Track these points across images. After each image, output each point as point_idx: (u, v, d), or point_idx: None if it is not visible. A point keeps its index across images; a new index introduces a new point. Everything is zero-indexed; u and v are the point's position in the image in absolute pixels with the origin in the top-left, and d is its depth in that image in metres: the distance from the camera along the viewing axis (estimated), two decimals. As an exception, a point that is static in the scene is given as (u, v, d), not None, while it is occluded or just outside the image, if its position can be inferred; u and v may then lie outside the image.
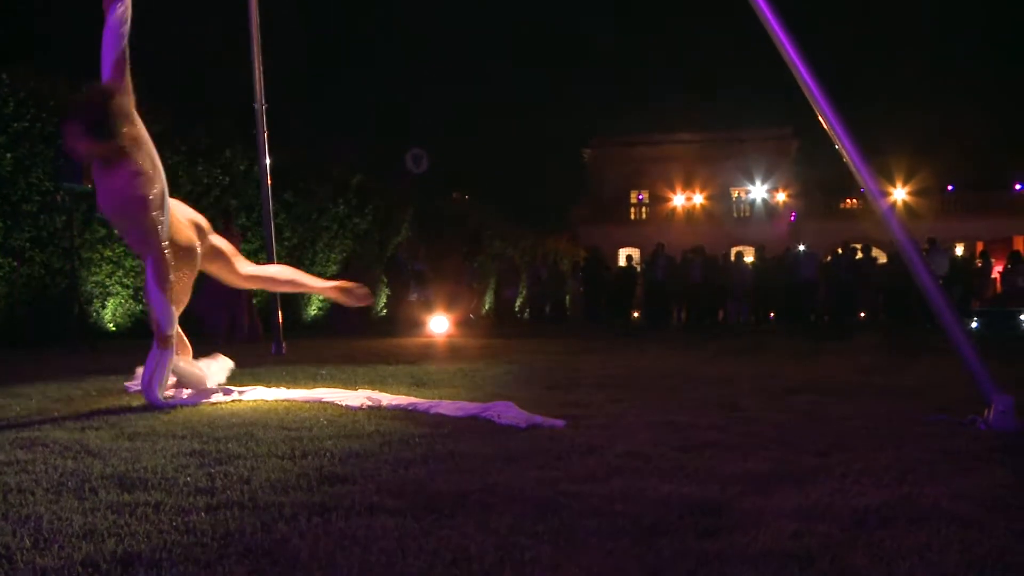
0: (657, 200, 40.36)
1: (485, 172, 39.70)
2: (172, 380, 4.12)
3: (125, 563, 1.63)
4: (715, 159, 39.69)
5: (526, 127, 47.21)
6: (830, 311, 17.49)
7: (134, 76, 3.97)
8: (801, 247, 18.82)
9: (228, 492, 2.19)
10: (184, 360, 4.27)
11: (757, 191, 38.94)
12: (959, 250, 26.02)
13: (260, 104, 7.67)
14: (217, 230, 4.82)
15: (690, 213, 39.08)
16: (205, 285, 4.87)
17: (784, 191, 38.40)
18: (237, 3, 7.54)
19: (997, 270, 18.63)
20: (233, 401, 4.12)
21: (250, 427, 3.26)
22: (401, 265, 14.39)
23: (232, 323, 9.99)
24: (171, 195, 4.18)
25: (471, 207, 23.83)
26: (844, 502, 2.13)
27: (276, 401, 4.13)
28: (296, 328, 12.90)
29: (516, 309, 21.05)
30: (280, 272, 4.81)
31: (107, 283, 9.86)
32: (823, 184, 36.76)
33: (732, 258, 18.41)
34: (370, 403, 3.95)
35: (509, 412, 3.50)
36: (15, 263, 8.41)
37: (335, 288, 4.83)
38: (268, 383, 4.75)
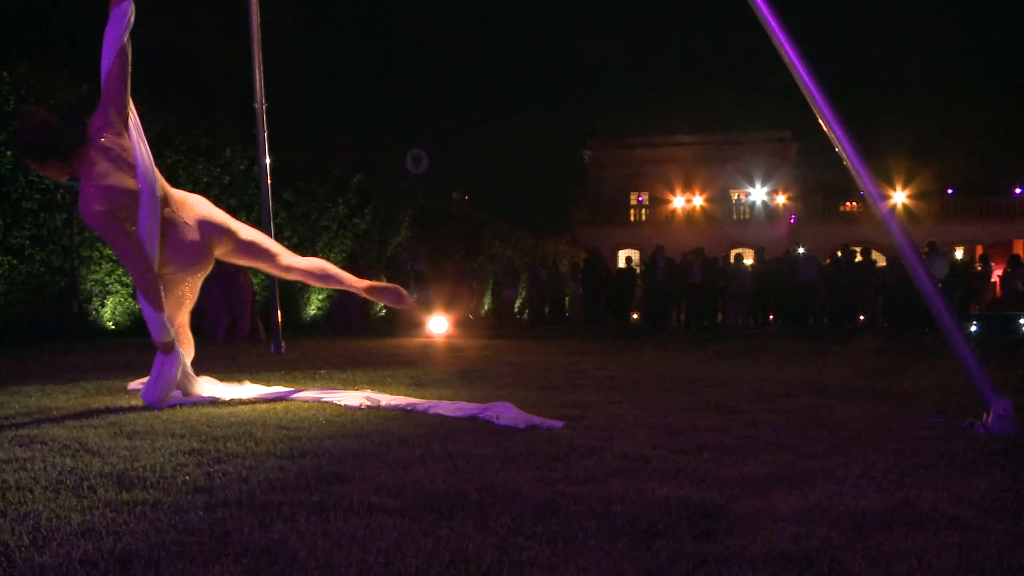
0: (657, 202, 40.39)
1: (485, 173, 39.73)
2: (176, 393, 4.08)
3: (123, 561, 1.63)
4: (715, 161, 39.72)
5: (526, 128, 47.23)
6: (829, 314, 17.50)
7: (134, 76, 3.96)
8: (801, 250, 18.84)
9: (226, 491, 2.19)
10: (191, 381, 4.19)
11: (757, 193, 38.97)
12: (959, 254, 26.06)
13: (260, 103, 7.67)
14: None
15: (690, 215, 39.10)
16: (208, 284, 4.83)
17: (784, 193, 38.42)
18: (238, 2, 7.54)
19: (997, 274, 18.63)
20: (232, 400, 4.12)
21: (248, 426, 3.26)
22: (401, 265, 14.39)
23: (233, 323, 9.99)
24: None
25: (471, 208, 23.85)
26: (843, 505, 2.13)
27: (275, 400, 4.13)
28: (295, 328, 12.90)
29: (515, 310, 21.05)
30: (319, 266, 4.69)
31: (106, 281, 9.86)
32: (823, 187, 36.84)
33: (732, 260, 18.42)
34: (369, 403, 3.95)
35: (508, 413, 3.50)
36: (14, 261, 8.42)
37: (371, 287, 4.72)
38: (267, 383, 4.74)
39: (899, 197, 35.25)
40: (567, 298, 21.55)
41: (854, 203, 36.14)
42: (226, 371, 4.96)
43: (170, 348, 3.94)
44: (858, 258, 17.57)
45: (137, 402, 3.96)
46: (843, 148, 3.76)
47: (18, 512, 1.97)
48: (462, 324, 14.66)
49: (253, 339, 9.97)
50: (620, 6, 60.47)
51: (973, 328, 13.12)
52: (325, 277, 4.62)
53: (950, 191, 37.28)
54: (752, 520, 1.98)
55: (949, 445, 3.01)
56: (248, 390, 4.36)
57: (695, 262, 17.20)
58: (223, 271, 8.85)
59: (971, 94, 48.01)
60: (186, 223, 4.08)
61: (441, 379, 5.36)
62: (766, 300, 18.18)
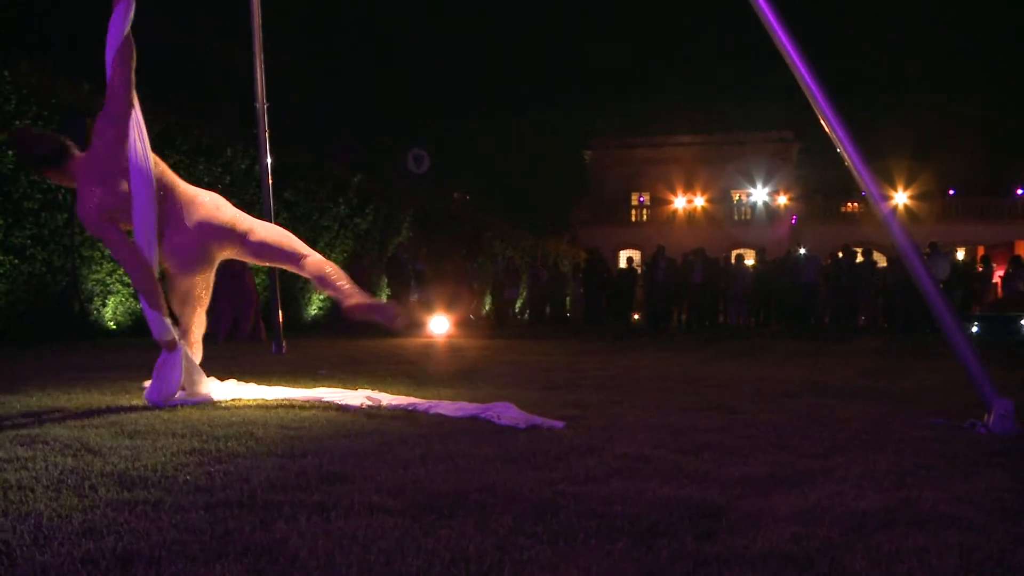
0: (658, 202, 40.36)
1: (486, 173, 39.72)
2: (181, 393, 4.07)
3: (124, 560, 1.63)
4: (716, 161, 39.69)
5: (527, 128, 47.24)
6: (830, 314, 17.50)
7: (136, 75, 3.96)
8: (802, 250, 18.83)
9: (227, 491, 2.19)
10: (196, 381, 4.17)
11: (758, 194, 38.94)
12: (960, 254, 26.02)
13: (261, 103, 7.68)
14: None
15: (691, 215, 39.08)
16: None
17: (785, 194, 38.39)
18: (239, 2, 7.54)
19: (998, 275, 18.61)
20: (233, 400, 4.12)
21: (250, 426, 3.26)
22: (402, 265, 14.39)
23: (235, 323, 9.99)
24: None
25: (472, 208, 23.84)
26: (843, 505, 2.13)
27: (276, 400, 4.13)
28: (296, 328, 12.90)
29: (516, 310, 21.05)
30: (324, 271, 4.38)
31: (108, 281, 9.86)
32: (824, 187, 36.78)
33: (733, 261, 18.40)
34: (370, 403, 3.96)
35: (509, 413, 3.50)
36: (16, 260, 8.42)
37: (358, 306, 4.27)
38: (268, 383, 4.75)
39: (900, 197, 35.21)
40: (568, 298, 21.55)
41: (855, 204, 36.10)
42: (227, 371, 4.95)
43: (172, 346, 3.94)
44: (859, 258, 17.56)
45: (138, 402, 3.96)
46: (844, 148, 3.76)
47: (20, 511, 1.97)
48: (463, 324, 14.66)
49: (254, 339, 9.98)
50: (621, 6, 60.49)
51: (974, 329, 13.11)
52: (323, 282, 4.29)
53: (951, 192, 37.23)
54: (753, 520, 1.98)
55: (950, 445, 3.01)
56: (249, 390, 4.36)
57: (696, 262, 17.20)
58: (228, 271, 8.86)
59: (973, 94, 48.00)
60: (185, 225, 4.02)
61: (442, 379, 5.36)
62: (767, 300, 18.17)
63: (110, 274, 9.83)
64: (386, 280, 15.15)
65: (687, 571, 1.63)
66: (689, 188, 40.09)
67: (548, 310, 19.80)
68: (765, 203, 38.66)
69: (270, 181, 7.89)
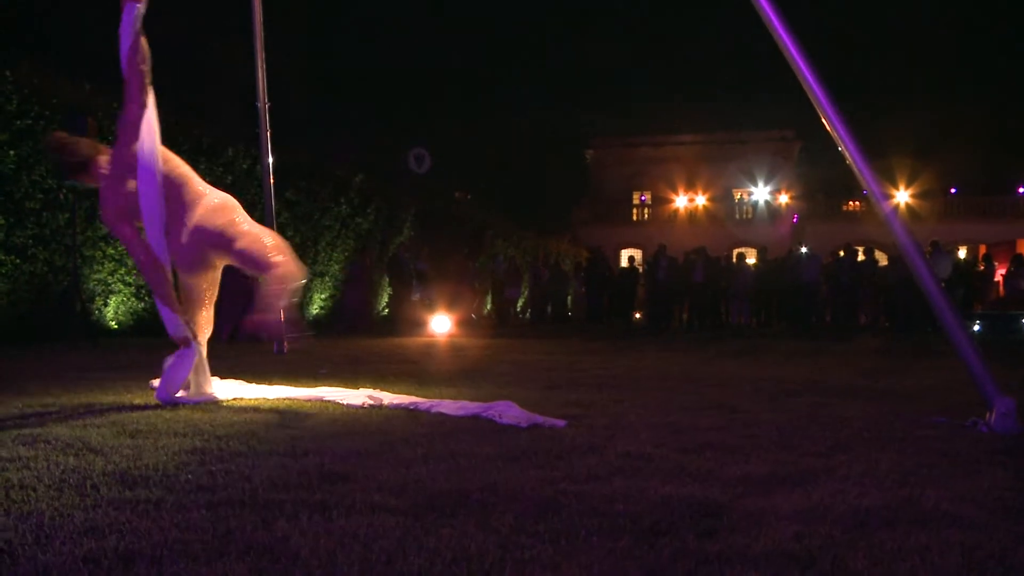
0: (659, 201, 40.35)
1: (487, 172, 39.72)
2: (187, 392, 4.08)
3: (126, 559, 1.63)
4: (717, 160, 39.67)
5: (528, 127, 47.24)
6: (832, 313, 17.48)
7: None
8: (803, 249, 18.80)
9: (229, 490, 2.19)
10: (203, 379, 4.16)
11: (759, 193, 38.92)
12: (962, 253, 26.01)
13: (263, 103, 7.68)
14: None
15: (692, 214, 39.06)
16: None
17: (786, 193, 38.37)
18: (241, 1, 7.54)
19: (1000, 273, 18.60)
20: (235, 399, 4.13)
21: (251, 425, 3.27)
22: (403, 264, 14.39)
23: (239, 322, 9.97)
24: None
25: (473, 207, 23.84)
26: (845, 504, 2.13)
27: (277, 399, 4.14)
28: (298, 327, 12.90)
29: (518, 309, 21.05)
30: (284, 288, 4.04)
31: (109, 281, 9.86)
32: (825, 186, 36.75)
33: (734, 260, 18.39)
34: (371, 402, 3.96)
35: (510, 412, 3.51)
36: (17, 260, 8.43)
37: (271, 321, 4.10)
38: (269, 382, 4.75)
39: (902, 196, 35.19)
40: (569, 297, 21.55)
41: (857, 202, 36.08)
42: (228, 370, 4.96)
43: (186, 343, 3.98)
44: (861, 257, 17.54)
45: (140, 401, 3.97)
46: (846, 147, 3.75)
47: (21, 510, 1.97)
48: (464, 323, 14.66)
49: (256, 339, 9.97)
50: (622, 5, 60.50)
51: (976, 327, 13.11)
52: (269, 289, 4.03)
53: (953, 190, 37.20)
54: (754, 519, 1.98)
55: (952, 444, 3.01)
56: (251, 389, 4.37)
57: (697, 261, 17.18)
58: (231, 270, 8.85)
59: (974, 92, 47.98)
60: (185, 226, 4.02)
61: (443, 378, 5.36)
62: (768, 299, 18.16)
63: (112, 274, 9.84)
64: (388, 279, 15.15)
65: (689, 570, 1.63)
66: (690, 187, 40.08)
67: (550, 309, 19.79)
68: (766, 202, 38.65)
69: (271, 181, 7.90)
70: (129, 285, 9.99)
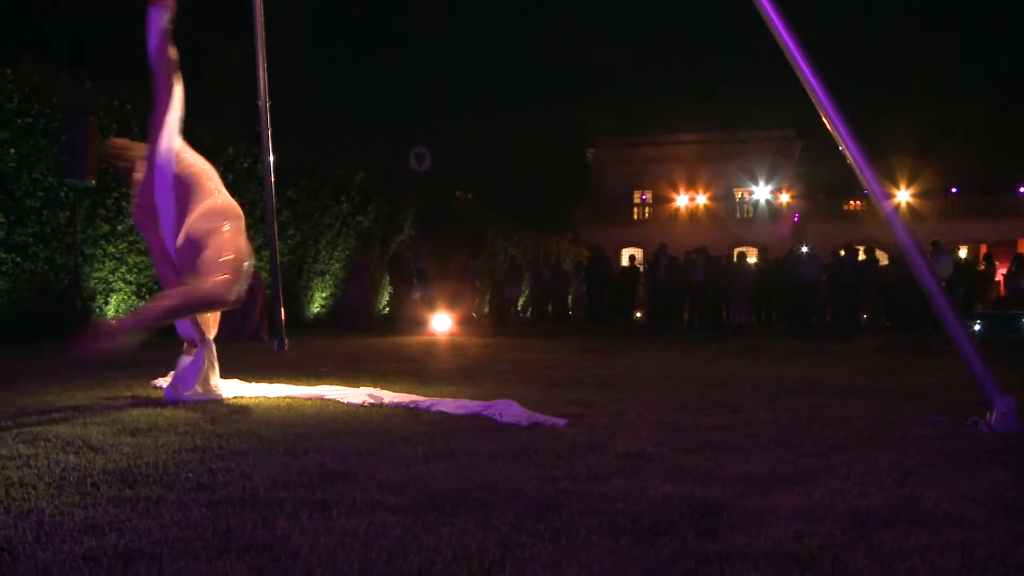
0: (660, 200, 40.34)
1: (488, 171, 39.70)
2: (194, 391, 4.08)
3: (126, 557, 1.63)
4: (718, 159, 39.66)
5: (529, 127, 47.22)
6: (832, 313, 17.47)
7: (136, 72, 4.02)
8: (804, 248, 18.79)
9: (229, 488, 2.19)
10: (208, 378, 4.16)
11: (760, 192, 38.91)
12: (963, 252, 26.00)
13: (264, 101, 7.68)
14: None
15: (693, 214, 39.05)
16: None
17: (787, 192, 38.36)
18: (242, 1, 7.54)
19: (1001, 273, 18.59)
20: (235, 398, 4.13)
21: (252, 424, 3.27)
22: (404, 263, 14.39)
23: (241, 321, 9.99)
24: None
25: (474, 206, 23.83)
26: (845, 503, 2.13)
27: (278, 398, 4.14)
28: (298, 326, 12.91)
29: (519, 308, 21.05)
30: (187, 301, 3.73)
31: (110, 279, 9.86)
32: (826, 185, 36.73)
33: (735, 259, 18.38)
34: (372, 401, 3.96)
35: (511, 410, 3.51)
36: (18, 258, 8.43)
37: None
38: (270, 381, 4.75)
39: (903, 196, 35.17)
40: (570, 296, 21.55)
41: (858, 202, 36.06)
42: (229, 369, 4.96)
43: (204, 343, 4.01)
44: (861, 257, 17.54)
45: (140, 399, 3.97)
46: (847, 146, 3.75)
47: (21, 508, 1.97)
48: (465, 322, 14.66)
49: (257, 337, 9.98)
50: (622, 5, 60.45)
51: (976, 327, 13.10)
52: (172, 302, 3.73)
53: (954, 190, 37.17)
54: (755, 518, 1.97)
55: (952, 443, 3.01)
56: (252, 388, 4.37)
57: (698, 261, 17.19)
58: None
59: (975, 92, 47.94)
60: (182, 228, 4.06)
61: (444, 377, 5.36)
62: (769, 299, 18.16)
63: (112, 272, 9.84)
64: (389, 278, 15.16)
65: (689, 569, 1.63)
66: (691, 186, 40.07)
67: (550, 308, 19.80)
68: (767, 201, 38.63)
69: (272, 179, 7.90)
70: (130, 283, 9.99)
